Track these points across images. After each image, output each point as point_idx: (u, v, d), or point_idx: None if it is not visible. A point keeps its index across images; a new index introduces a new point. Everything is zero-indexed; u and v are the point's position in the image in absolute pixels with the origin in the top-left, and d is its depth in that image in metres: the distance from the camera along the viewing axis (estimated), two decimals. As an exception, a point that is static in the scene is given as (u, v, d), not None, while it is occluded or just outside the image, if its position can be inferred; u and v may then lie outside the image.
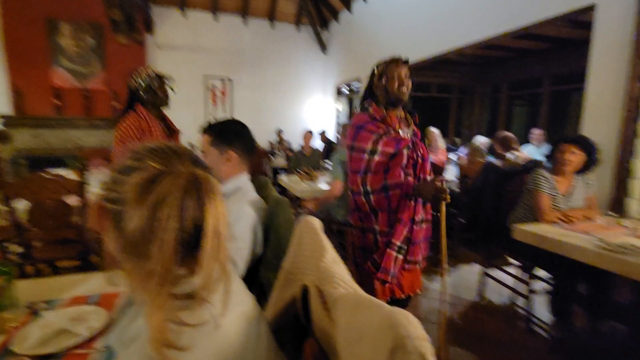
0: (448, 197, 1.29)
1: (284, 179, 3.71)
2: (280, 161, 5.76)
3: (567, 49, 4.65)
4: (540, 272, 2.14)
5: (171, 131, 2.00)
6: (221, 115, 6.59)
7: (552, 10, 2.65)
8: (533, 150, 4.31)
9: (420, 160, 1.49)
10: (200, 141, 1.11)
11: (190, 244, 0.45)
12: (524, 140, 4.99)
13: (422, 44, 4.24)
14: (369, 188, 1.45)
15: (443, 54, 4.03)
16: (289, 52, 7.06)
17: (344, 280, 0.54)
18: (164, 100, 1.89)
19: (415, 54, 4.37)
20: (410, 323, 0.35)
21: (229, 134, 1.09)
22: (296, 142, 6.61)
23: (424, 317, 2.12)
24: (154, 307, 0.41)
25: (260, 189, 1.26)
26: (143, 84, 1.79)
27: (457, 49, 3.78)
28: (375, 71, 1.52)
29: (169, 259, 0.42)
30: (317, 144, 6.67)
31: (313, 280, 0.60)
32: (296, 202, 3.95)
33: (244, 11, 6.49)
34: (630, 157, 2.17)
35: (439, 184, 1.31)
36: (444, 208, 1.34)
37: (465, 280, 2.66)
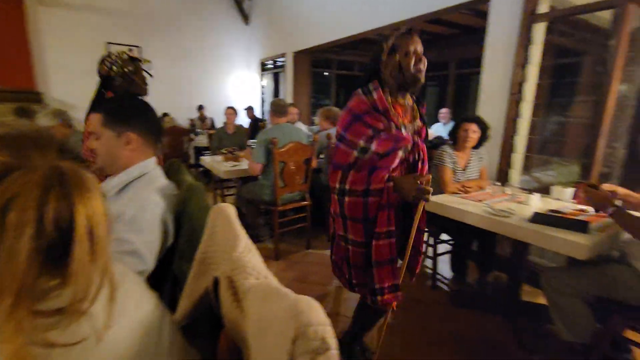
0: (430, 197, 1.16)
1: (206, 159, 3.50)
2: (203, 140, 5.40)
3: (471, 36, 5.18)
4: (444, 237, 2.45)
5: None
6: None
7: (455, -1, 2.90)
8: (441, 128, 4.80)
9: (419, 164, 1.31)
10: (91, 121, 0.95)
11: (58, 251, 0.38)
12: (435, 118, 5.51)
13: (345, 22, 4.28)
14: (347, 187, 1.20)
15: (364, 34, 4.13)
16: (207, 20, 6.49)
17: (256, 270, 0.54)
18: (142, 88, 1.67)
19: (338, 32, 4.40)
20: (311, 310, 0.37)
21: (126, 112, 0.94)
22: (220, 120, 6.26)
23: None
24: (9, 331, 0.34)
25: (172, 173, 1.16)
26: (115, 69, 1.59)
27: (377, 29, 3.91)
28: (384, 45, 1.22)
29: (24, 273, 0.35)
30: (244, 120, 6.42)
31: (226, 271, 0.58)
32: (220, 184, 3.79)
33: (151, -32, 5.70)
34: (513, 134, 2.56)
35: (421, 182, 1.14)
36: (421, 208, 1.21)
37: (384, 248, 2.92)
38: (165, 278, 0.99)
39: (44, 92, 5.07)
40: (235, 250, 0.58)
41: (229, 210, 0.67)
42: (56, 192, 0.37)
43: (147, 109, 0.99)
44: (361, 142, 1.19)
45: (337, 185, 1.23)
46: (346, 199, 1.21)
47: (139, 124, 0.95)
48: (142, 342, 0.45)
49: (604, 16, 2.61)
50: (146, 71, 1.73)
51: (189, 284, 0.74)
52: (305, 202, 2.83)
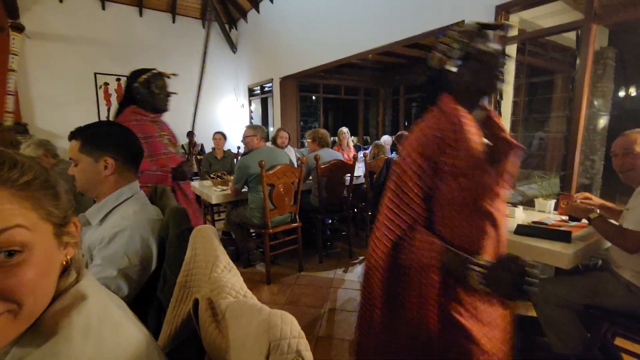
0: None
1: (195, 184, 3.49)
2: (192, 166, 5.38)
3: (449, 58, 5.41)
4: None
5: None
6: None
7: (431, 25, 3.05)
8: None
9: None
10: (69, 148, 0.96)
11: None
12: (421, 137, 5.64)
13: (328, 48, 4.45)
14: None
15: (347, 59, 4.29)
16: (195, 49, 6.64)
17: (234, 289, 0.54)
18: (490, 80, 0.82)
19: (322, 57, 4.56)
20: (285, 324, 0.37)
21: (103, 138, 0.96)
22: (209, 145, 6.29)
23: (340, 306, 2.24)
24: None
25: (157, 198, 1.16)
26: (456, 47, 0.80)
27: (360, 54, 4.07)
28: None
29: None
30: (233, 145, 6.44)
31: (206, 293, 0.58)
32: (210, 209, 3.75)
33: (139, 1, 5.87)
34: (494, 150, 2.64)
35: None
36: None
37: (376, 267, 2.90)
38: (149, 304, 0.97)
39: (28, 123, 5.04)
40: (215, 271, 0.58)
41: (208, 231, 0.68)
42: None
43: (126, 133, 1.01)
44: None
45: None
46: None
47: (116, 149, 0.96)
48: None
49: (571, 37, 2.79)
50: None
51: (171, 309, 0.73)
52: (296, 224, 2.81)
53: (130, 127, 1.58)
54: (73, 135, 0.95)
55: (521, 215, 1.91)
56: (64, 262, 0.46)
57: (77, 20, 5.45)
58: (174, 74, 1.85)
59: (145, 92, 1.67)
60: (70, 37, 5.42)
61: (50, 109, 5.26)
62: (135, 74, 1.70)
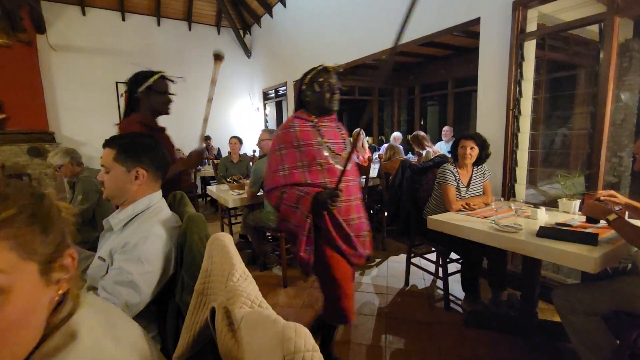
0: None
1: (212, 189, 3.55)
2: (209, 170, 5.50)
3: (466, 56, 5.30)
4: (454, 256, 2.41)
5: None
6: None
7: (447, 23, 3.00)
8: (443, 146, 4.82)
9: None
10: (103, 155, 0.98)
11: None
12: (438, 136, 5.56)
13: (342, 49, 4.44)
14: None
15: (361, 60, 4.26)
16: (210, 54, 6.78)
17: (250, 299, 0.54)
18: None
19: (335, 60, 4.55)
20: (299, 337, 0.37)
21: (138, 149, 0.98)
22: (225, 150, 6.40)
23: (357, 309, 2.22)
24: None
25: (176, 205, 1.19)
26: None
27: (373, 55, 4.04)
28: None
29: None
30: (249, 149, 6.53)
31: (222, 301, 0.59)
32: (227, 213, 3.81)
33: (157, 11, 6.05)
34: (515, 149, 2.57)
35: None
36: None
37: (393, 270, 2.86)
38: (167, 309, 0.99)
39: (55, 132, 5.28)
40: (231, 279, 0.59)
41: (225, 238, 0.69)
42: None
43: (157, 146, 1.04)
44: None
45: None
46: None
47: (149, 161, 0.99)
48: None
49: (594, 29, 2.67)
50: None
51: (189, 316, 0.74)
52: (311, 227, 2.82)
53: (281, 135, 1.44)
54: (108, 144, 0.98)
55: (544, 217, 1.85)
56: (56, 298, 0.43)
57: (99, 31, 5.67)
58: (339, 66, 1.54)
59: (309, 92, 1.47)
60: (93, 48, 5.64)
61: (75, 117, 5.50)
62: (303, 77, 1.52)
